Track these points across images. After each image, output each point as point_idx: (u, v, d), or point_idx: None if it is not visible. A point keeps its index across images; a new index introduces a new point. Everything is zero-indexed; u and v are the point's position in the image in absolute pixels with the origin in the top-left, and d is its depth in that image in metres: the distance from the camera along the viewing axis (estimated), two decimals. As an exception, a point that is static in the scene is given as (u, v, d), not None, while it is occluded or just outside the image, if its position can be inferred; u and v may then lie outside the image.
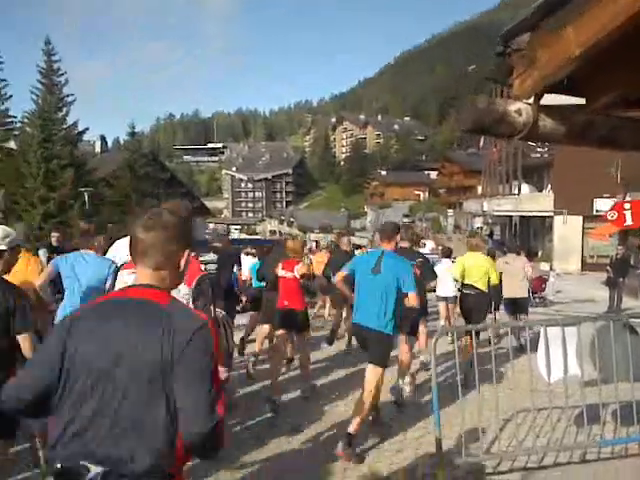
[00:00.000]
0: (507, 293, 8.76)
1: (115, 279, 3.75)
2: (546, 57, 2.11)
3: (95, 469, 1.55)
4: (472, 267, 7.04)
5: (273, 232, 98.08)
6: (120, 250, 4.50)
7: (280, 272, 6.05)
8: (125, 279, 3.00)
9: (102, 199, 31.89)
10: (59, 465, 1.59)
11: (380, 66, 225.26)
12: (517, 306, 9.04)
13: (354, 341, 6.69)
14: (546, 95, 2.36)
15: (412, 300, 4.52)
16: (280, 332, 6.02)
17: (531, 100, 2.30)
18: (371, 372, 4.50)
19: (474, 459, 4.02)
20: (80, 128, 32.21)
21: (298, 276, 5.93)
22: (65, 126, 30.92)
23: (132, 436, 1.57)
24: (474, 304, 6.95)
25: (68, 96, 31.43)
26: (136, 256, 1.79)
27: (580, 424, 4.54)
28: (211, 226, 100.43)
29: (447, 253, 10.89)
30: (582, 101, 2.50)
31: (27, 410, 1.71)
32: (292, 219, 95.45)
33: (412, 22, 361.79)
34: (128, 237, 1.84)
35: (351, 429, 4.27)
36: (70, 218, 26.53)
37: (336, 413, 5.50)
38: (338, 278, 5.15)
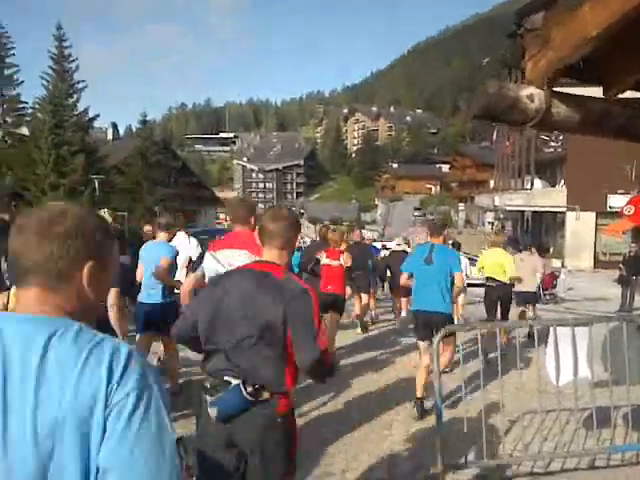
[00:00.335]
0: (518, 287, 8.76)
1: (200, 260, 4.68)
2: (561, 37, 1.94)
3: (235, 381, 2.26)
4: (494, 263, 7.76)
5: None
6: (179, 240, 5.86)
7: (324, 260, 6.93)
8: (219, 257, 3.66)
9: (113, 186, 31.88)
10: (207, 383, 2.35)
11: (393, 58, 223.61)
12: (526, 298, 9.13)
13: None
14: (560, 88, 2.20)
15: (458, 279, 5.19)
16: (327, 315, 6.51)
17: (544, 86, 2.14)
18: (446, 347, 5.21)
19: (478, 463, 3.87)
20: (91, 115, 32.15)
21: (344, 265, 6.84)
22: (76, 112, 30.88)
23: (259, 363, 2.30)
24: (501, 295, 7.77)
25: (79, 82, 31.37)
26: (264, 239, 2.53)
27: (589, 427, 4.37)
28: (221, 216, 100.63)
29: (456, 247, 10.76)
30: (598, 91, 2.33)
31: (194, 341, 2.47)
32: (302, 210, 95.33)
33: (426, 14, 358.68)
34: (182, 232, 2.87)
35: (419, 394, 5.07)
36: (81, 205, 26.52)
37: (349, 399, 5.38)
38: (403, 280, 5.71)
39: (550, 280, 16.80)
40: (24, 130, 32.58)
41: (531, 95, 2.10)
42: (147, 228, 6.57)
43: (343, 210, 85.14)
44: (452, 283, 5.22)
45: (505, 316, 7.90)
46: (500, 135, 45.63)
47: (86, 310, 1.20)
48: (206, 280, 3.62)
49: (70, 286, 1.17)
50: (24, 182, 27.34)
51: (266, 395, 2.27)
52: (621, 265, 15.74)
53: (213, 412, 2.29)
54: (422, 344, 5.28)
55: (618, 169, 23.82)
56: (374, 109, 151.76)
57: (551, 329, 3.47)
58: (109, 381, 1.02)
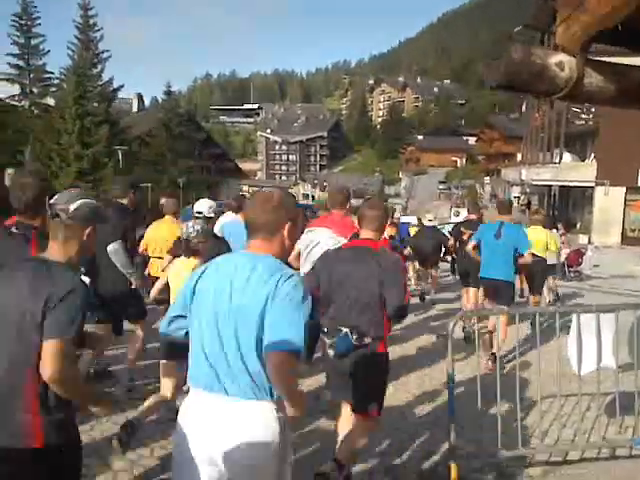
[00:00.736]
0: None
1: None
2: (598, -3, 1.72)
3: (344, 329, 3.13)
4: (537, 240, 7.77)
5: (306, 196, 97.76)
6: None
7: None
8: (309, 233, 4.63)
9: (137, 158, 32.04)
10: (325, 329, 3.26)
11: (421, 27, 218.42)
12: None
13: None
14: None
15: (527, 257, 6.05)
16: None
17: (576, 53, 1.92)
18: (503, 316, 5.53)
19: (491, 451, 3.73)
20: (115, 85, 32.16)
21: (387, 237, 6.90)
22: (100, 83, 30.92)
23: (363, 312, 3.16)
24: (540, 269, 7.97)
25: (103, 52, 31.41)
26: (363, 223, 3.36)
27: (612, 414, 4.20)
28: (244, 188, 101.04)
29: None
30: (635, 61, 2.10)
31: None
32: (325, 183, 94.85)
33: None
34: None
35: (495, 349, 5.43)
36: (104, 176, 26.73)
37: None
38: (470, 247, 6.60)
39: (576, 257, 16.37)
40: (50, 100, 32.77)
41: (561, 63, 1.89)
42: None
43: (366, 183, 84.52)
44: (516, 257, 6.08)
45: (539, 288, 8.50)
46: (529, 107, 44.36)
47: (284, 252, 2.17)
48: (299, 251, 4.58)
49: (277, 237, 2.12)
50: (49, 152, 27.59)
51: (368, 340, 3.14)
52: (651, 243, 15.25)
53: (331, 351, 3.23)
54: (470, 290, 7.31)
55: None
56: (400, 79, 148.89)
57: (574, 316, 3.25)
58: (275, 289, 1.96)
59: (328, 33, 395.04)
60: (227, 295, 2.02)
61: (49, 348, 1.92)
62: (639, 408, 4.15)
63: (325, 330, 3.26)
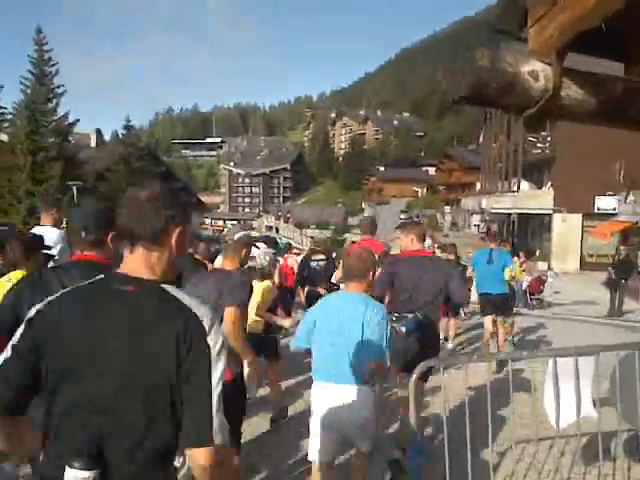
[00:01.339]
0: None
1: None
2: (577, -8, 1.46)
3: (410, 315, 4.19)
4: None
5: (269, 227, 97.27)
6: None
7: None
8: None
9: (92, 193, 31.13)
10: (394, 316, 4.17)
11: (381, 62, 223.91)
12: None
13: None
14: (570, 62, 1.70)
15: (507, 274, 7.59)
16: None
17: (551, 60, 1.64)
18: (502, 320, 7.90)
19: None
20: (71, 120, 31.37)
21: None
22: (55, 118, 30.10)
23: (428, 301, 4.29)
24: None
25: (59, 87, 30.56)
26: (418, 237, 4.46)
27: (593, 459, 3.89)
28: (207, 221, 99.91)
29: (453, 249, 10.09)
30: (619, 68, 1.85)
31: None
32: (288, 215, 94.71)
33: (413, 19, 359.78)
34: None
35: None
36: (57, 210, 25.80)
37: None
38: (469, 272, 8.55)
39: (537, 285, 16.39)
40: (2, 136, 31.77)
41: (534, 72, 1.61)
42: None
43: (329, 214, 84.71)
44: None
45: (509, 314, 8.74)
46: (487, 138, 45.44)
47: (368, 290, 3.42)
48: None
49: (366, 281, 3.32)
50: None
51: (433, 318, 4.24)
52: (610, 268, 15.36)
53: (402, 329, 3.94)
54: (488, 318, 7.76)
55: (605, 170, 23.60)
56: (361, 113, 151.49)
57: (550, 361, 2.88)
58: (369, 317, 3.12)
59: (290, 68, 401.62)
60: (339, 321, 3.16)
61: None
62: (618, 453, 3.86)
63: (395, 317, 4.04)
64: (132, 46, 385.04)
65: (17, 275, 3.32)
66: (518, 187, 32.21)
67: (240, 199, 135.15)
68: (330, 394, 3.15)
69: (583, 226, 27.40)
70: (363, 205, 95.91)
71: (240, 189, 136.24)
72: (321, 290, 9.55)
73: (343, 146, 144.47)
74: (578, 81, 1.69)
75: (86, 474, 1.33)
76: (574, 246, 27.78)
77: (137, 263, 1.51)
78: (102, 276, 1.53)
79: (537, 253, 28.27)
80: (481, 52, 1.52)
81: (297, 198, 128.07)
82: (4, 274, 3.63)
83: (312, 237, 66.66)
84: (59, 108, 30.56)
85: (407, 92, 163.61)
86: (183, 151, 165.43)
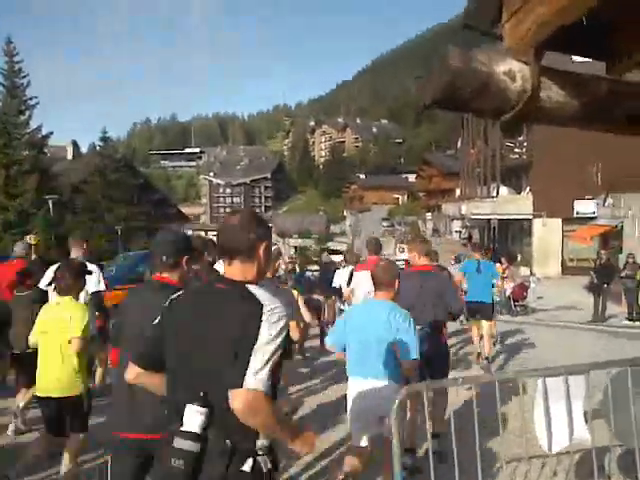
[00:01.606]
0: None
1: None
2: (556, -19, 1.29)
3: (420, 326, 4.19)
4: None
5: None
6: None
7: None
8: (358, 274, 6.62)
9: (67, 207, 30.58)
10: None
11: (357, 69, 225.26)
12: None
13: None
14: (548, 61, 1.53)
15: (498, 286, 9.31)
16: None
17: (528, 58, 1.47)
18: (487, 325, 8.38)
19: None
20: (45, 132, 30.84)
21: None
22: (28, 130, 29.55)
23: (435, 312, 4.73)
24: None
25: (31, 99, 30.06)
26: (424, 253, 5.03)
27: (587, 477, 3.71)
28: (189, 232, 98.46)
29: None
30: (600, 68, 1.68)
31: None
32: (270, 224, 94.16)
33: (388, 26, 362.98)
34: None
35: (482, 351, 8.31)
36: (33, 227, 25.29)
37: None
38: (460, 276, 8.60)
39: (520, 291, 16.35)
40: (-27, 149, 31.12)
41: (511, 71, 1.44)
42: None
43: (311, 222, 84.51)
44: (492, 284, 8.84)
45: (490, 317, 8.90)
46: (465, 143, 45.72)
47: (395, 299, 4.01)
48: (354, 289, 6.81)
49: (392, 289, 3.84)
50: (-28, 204, 26.00)
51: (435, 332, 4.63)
52: (592, 272, 15.37)
53: None
54: (477, 323, 8.45)
55: (583, 174, 23.78)
56: (340, 120, 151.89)
57: (539, 381, 2.70)
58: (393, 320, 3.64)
59: (267, 77, 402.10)
60: (368, 324, 3.68)
61: None
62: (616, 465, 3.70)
63: None
64: (109, 56, 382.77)
65: (65, 300, 3.90)
66: (497, 192, 32.39)
67: (221, 209, 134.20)
68: (361, 388, 3.68)
69: (563, 230, 27.58)
70: (345, 213, 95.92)
71: (221, 199, 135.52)
72: (319, 297, 10.12)
73: (323, 154, 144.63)
74: (558, 81, 1.52)
75: (201, 409, 1.85)
76: (555, 251, 27.93)
77: (234, 272, 2.01)
78: (211, 278, 2.16)
79: (518, 258, 28.37)
80: (452, 51, 1.34)
81: (279, 207, 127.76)
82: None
83: (295, 247, 66.24)
84: (32, 120, 30.08)
85: (384, 99, 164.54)
86: (162, 162, 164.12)
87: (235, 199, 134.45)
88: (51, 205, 26.80)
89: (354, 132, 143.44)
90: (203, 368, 1.92)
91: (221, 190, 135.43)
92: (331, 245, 61.18)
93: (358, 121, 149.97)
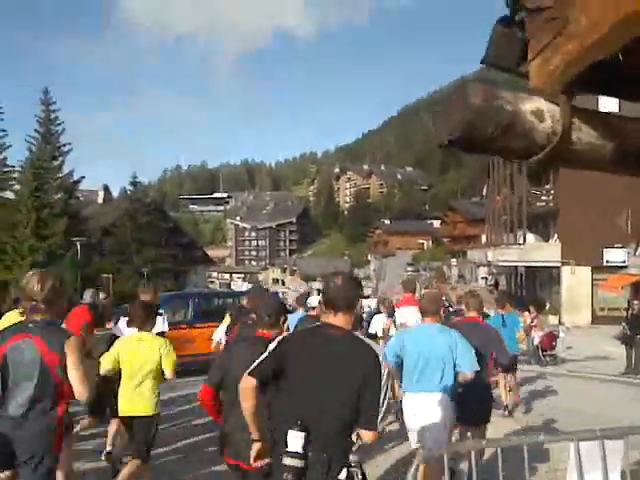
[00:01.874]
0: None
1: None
2: (589, 16, 1.20)
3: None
4: None
5: (276, 280, 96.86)
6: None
7: None
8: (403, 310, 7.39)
9: (95, 249, 31.11)
10: None
11: (384, 118, 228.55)
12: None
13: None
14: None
15: (521, 336, 8.74)
16: None
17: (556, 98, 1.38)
18: (510, 376, 8.73)
19: None
20: (76, 177, 31.74)
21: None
22: (60, 175, 30.47)
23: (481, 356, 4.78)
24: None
25: (65, 145, 31.14)
26: (470, 306, 5.32)
27: None
28: (214, 274, 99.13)
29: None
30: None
31: None
32: (295, 267, 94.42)
33: (415, 77, 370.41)
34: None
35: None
36: (60, 268, 25.72)
37: None
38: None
39: (549, 340, 15.83)
40: (9, 194, 32.13)
41: (539, 111, 1.34)
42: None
43: (335, 266, 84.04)
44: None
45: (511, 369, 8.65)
46: (490, 190, 45.56)
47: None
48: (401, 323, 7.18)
49: (438, 315, 4.69)
50: (4, 245, 26.61)
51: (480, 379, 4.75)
52: (624, 324, 14.82)
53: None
54: (502, 375, 8.35)
55: (612, 222, 23.33)
56: (365, 167, 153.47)
57: (571, 446, 2.44)
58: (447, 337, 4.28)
59: (295, 126, 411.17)
60: (422, 343, 4.18)
61: None
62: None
63: None
64: (142, 104, 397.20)
65: (144, 335, 4.49)
66: (524, 239, 31.95)
67: (247, 252, 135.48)
68: (416, 402, 4.10)
69: (592, 279, 26.92)
70: (369, 257, 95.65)
71: (246, 242, 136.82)
72: None
73: (348, 200, 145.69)
74: (589, 122, 1.42)
75: (300, 434, 2.35)
76: (585, 299, 27.22)
77: (340, 322, 2.55)
78: (319, 324, 2.66)
79: (547, 306, 27.68)
80: (473, 87, 1.26)
81: (303, 251, 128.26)
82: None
83: (318, 290, 65.96)
84: (65, 166, 31.07)
85: (410, 147, 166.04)
86: (191, 206, 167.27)
87: (260, 242, 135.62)
88: (79, 247, 27.30)
89: (379, 178, 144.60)
90: (320, 400, 2.44)
91: (247, 234, 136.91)
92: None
93: (383, 168, 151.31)
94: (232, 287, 75.00)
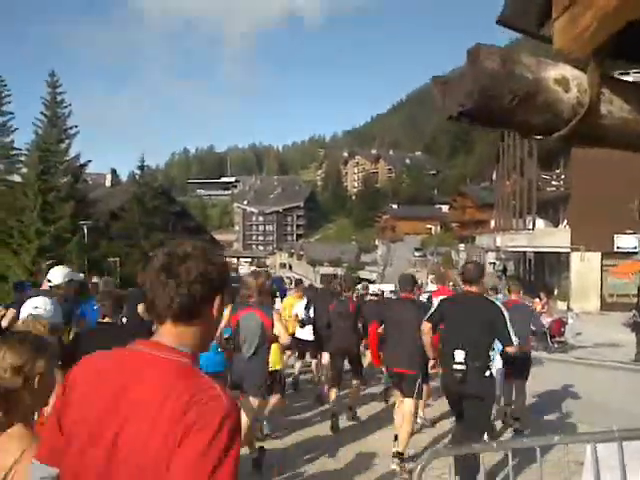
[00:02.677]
0: None
1: None
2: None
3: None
4: None
5: (283, 265, 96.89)
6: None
7: None
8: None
9: (103, 232, 31.04)
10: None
11: (392, 103, 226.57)
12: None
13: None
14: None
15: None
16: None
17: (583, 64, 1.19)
18: None
19: None
20: (83, 160, 31.59)
21: None
22: (67, 158, 30.32)
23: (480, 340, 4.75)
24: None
25: (71, 128, 30.90)
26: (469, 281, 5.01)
27: None
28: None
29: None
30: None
31: None
32: (302, 252, 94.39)
33: (423, 62, 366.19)
34: None
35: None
36: (67, 252, 25.70)
37: None
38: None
39: (558, 327, 15.66)
40: (15, 177, 32.06)
41: (564, 79, 1.16)
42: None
43: (343, 251, 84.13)
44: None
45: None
46: (500, 175, 45.03)
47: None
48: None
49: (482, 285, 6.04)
50: (10, 229, 26.58)
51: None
52: (634, 311, 14.60)
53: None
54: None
55: (625, 208, 22.93)
56: (373, 152, 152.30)
57: (588, 449, 2.27)
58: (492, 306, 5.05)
59: (303, 110, 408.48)
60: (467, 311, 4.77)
61: None
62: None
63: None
64: (150, 88, 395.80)
65: None
66: (533, 225, 31.57)
67: (254, 237, 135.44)
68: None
69: (602, 265, 26.60)
70: (376, 242, 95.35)
71: (254, 227, 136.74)
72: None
73: (356, 184, 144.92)
74: (622, 94, 1.23)
75: (462, 351, 4.45)
76: (594, 286, 26.92)
77: (474, 289, 4.89)
78: (462, 291, 5.32)
79: (555, 292, 27.42)
80: (488, 49, 1.07)
81: (310, 235, 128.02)
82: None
83: (324, 275, 65.94)
84: (71, 149, 30.85)
85: (418, 132, 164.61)
86: (198, 190, 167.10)
87: (268, 227, 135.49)
88: (86, 231, 27.24)
89: (387, 163, 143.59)
90: (470, 333, 4.45)
91: (254, 218, 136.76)
92: (362, 274, 60.61)
93: (391, 153, 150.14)
94: (239, 271, 75.14)
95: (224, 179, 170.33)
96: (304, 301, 8.60)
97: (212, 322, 1.40)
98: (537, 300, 14.17)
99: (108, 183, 60.38)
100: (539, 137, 1.25)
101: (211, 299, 1.37)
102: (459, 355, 4.30)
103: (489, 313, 4.52)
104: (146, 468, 1.17)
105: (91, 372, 1.34)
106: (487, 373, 4.43)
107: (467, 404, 4.50)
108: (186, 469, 1.12)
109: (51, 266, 6.13)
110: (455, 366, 4.32)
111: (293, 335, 7.69)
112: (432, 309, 4.96)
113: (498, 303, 5.00)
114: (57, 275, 5.09)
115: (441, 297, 7.21)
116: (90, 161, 32.07)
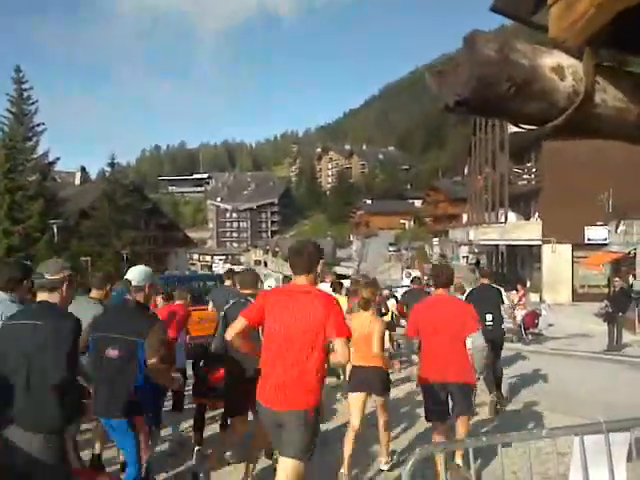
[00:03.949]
0: None
1: None
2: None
3: None
4: None
5: (258, 262, 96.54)
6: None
7: None
8: None
9: (74, 231, 30.47)
10: None
11: (365, 98, 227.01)
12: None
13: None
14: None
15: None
16: None
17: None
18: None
19: None
20: (51, 158, 30.91)
21: None
22: (35, 156, 29.65)
23: None
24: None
25: (38, 125, 30.23)
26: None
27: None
28: (195, 257, 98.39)
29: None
30: None
31: None
32: (277, 249, 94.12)
33: (396, 55, 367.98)
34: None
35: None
36: (36, 251, 25.16)
37: None
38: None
39: (532, 319, 15.88)
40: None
41: (560, 67, 1.13)
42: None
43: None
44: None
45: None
46: (472, 169, 45.56)
47: None
48: None
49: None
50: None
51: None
52: (606, 301, 14.91)
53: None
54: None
55: (594, 200, 23.41)
56: (347, 147, 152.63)
57: (575, 440, 2.29)
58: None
59: (276, 106, 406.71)
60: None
61: None
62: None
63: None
64: (121, 83, 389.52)
65: None
66: (505, 218, 32.02)
67: (228, 234, 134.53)
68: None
69: (573, 257, 27.11)
70: (351, 238, 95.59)
71: (227, 224, 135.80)
72: None
73: (330, 180, 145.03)
74: (617, 82, 1.21)
75: (490, 315, 7.27)
76: (565, 277, 27.43)
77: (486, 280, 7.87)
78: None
79: (528, 284, 27.88)
80: (485, 37, 1.03)
81: (285, 232, 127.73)
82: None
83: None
84: (39, 146, 30.17)
85: (391, 127, 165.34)
86: (170, 187, 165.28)
87: (242, 224, 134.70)
88: (55, 230, 26.71)
89: (361, 159, 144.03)
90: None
91: (228, 215, 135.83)
92: (337, 270, 60.73)
93: (364, 148, 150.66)
94: (213, 269, 74.43)
95: (196, 176, 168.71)
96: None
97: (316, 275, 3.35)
98: (514, 292, 14.35)
99: (78, 181, 59.24)
100: (532, 127, 1.22)
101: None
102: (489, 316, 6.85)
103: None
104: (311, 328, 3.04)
105: (275, 291, 3.75)
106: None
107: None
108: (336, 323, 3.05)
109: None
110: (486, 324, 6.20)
111: None
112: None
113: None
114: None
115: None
116: (59, 159, 31.46)
